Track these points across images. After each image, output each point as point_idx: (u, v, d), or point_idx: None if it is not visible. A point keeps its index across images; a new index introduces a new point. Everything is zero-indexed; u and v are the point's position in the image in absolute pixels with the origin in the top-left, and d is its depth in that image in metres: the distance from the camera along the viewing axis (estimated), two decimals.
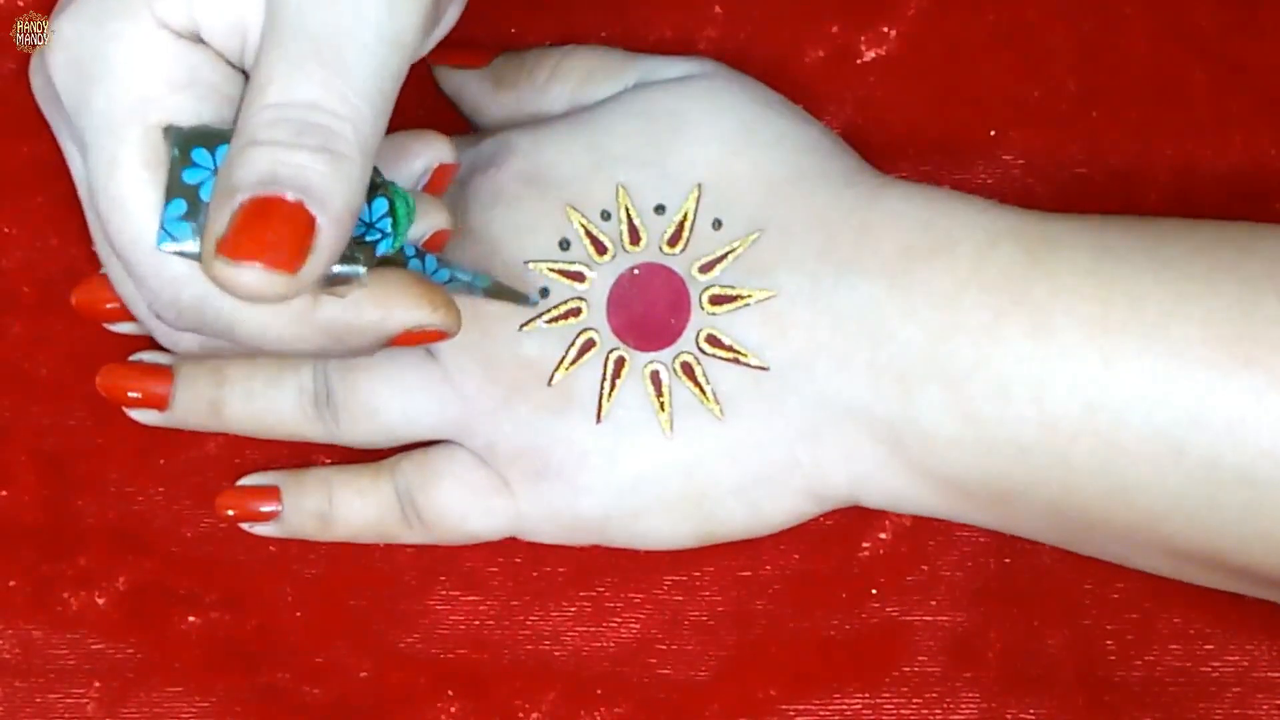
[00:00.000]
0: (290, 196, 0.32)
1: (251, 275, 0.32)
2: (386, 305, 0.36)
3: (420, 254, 0.38)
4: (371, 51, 0.34)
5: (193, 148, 0.35)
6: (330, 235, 0.33)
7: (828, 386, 0.40)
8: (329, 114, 0.33)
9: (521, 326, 0.41)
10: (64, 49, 0.36)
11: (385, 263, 0.36)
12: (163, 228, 0.35)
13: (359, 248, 0.35)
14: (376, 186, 0.36)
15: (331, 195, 0.33)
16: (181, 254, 0.35)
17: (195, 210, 0.34)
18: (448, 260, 0.39)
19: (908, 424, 0.40)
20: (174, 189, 0.35)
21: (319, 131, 0.33)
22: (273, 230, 0.32)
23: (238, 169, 0.33)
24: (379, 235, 0.36)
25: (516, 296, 0.41)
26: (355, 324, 0.36)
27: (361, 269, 0.35)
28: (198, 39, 0.36)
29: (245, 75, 0.36)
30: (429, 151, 0.40)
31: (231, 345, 0.37)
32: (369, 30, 0.34)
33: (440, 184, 0.40)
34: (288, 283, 0.33)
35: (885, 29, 0.46)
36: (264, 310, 0.35)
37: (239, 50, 0.36)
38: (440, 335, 0.38)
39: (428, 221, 0.39)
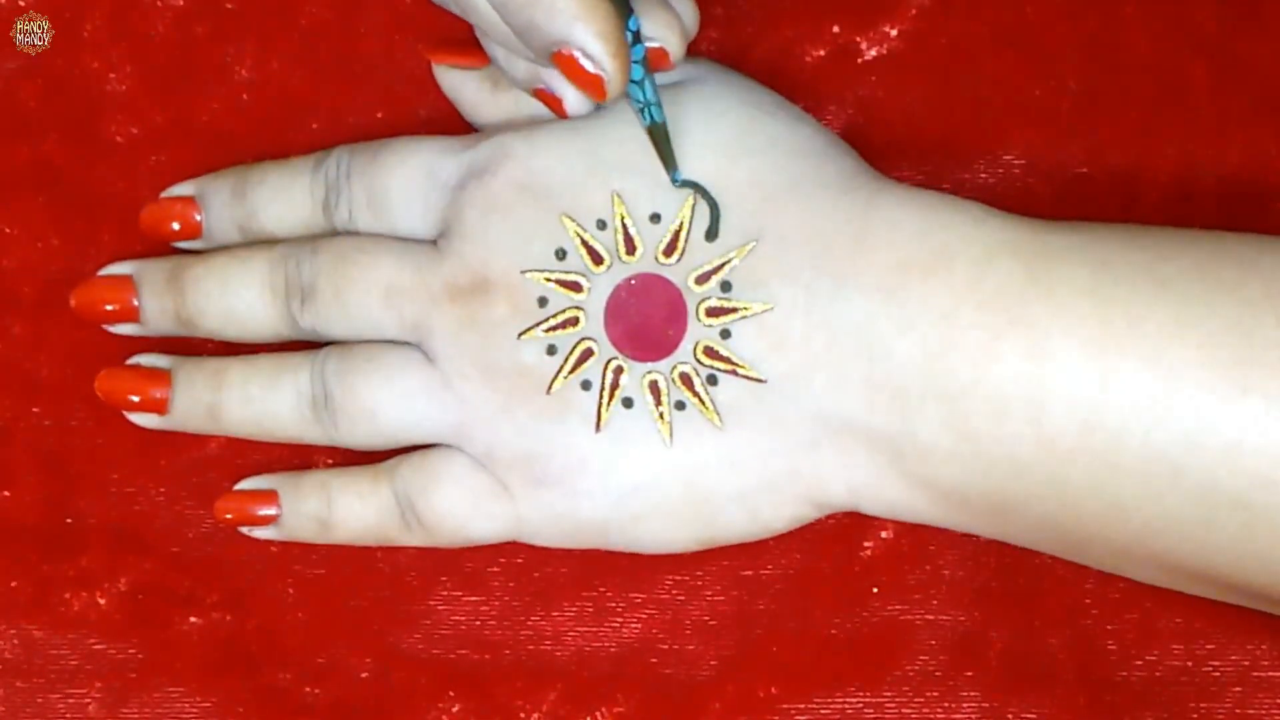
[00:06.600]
0: None
1: None
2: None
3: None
4: None
5: None
6: None
7: (825, 401, 0.40)
8: None
9: (520, 334, 0.41)
10: None
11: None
12: None
13: None
14: None
15: None
16: None
17: None
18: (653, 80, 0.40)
19: (905, 438, 0.40)
20: None
21: None
22: None
23: None
24: None
25: (669, 159, 0.41)
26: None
27: None
28: None
29: None
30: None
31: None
32: None
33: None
34: None
35: (886, 28, 0.46)
36: None
37: None
38: (596, 81, 0.39)
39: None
